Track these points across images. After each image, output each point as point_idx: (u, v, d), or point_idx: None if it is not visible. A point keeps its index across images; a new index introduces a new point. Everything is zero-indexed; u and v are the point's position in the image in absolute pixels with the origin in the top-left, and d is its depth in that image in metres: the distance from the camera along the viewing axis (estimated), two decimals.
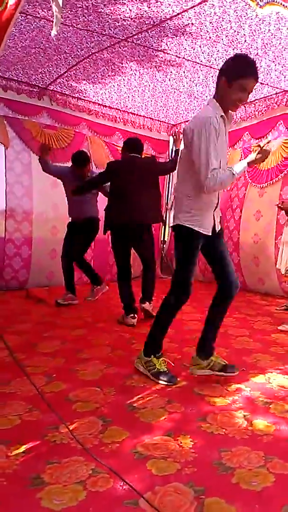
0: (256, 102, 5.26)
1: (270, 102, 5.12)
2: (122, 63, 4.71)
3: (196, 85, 5.11)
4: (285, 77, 4.59)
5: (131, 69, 4.90)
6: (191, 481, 1.55)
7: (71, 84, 5.23)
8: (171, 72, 4.81)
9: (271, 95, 5.08)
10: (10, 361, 2.73)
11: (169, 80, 5.08)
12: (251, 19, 3.41)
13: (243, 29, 3.60)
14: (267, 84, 4.81)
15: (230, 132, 5.72)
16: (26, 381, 2.42)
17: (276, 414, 2.10)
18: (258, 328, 3.79)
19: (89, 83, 5.26)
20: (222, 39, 3.79)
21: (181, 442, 1.82)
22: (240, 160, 5.68)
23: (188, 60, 4.33)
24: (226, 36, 3.72)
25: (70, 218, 4.74)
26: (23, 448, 1.75)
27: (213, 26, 3.59)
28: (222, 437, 1.88)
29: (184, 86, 5.13)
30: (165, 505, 1.42)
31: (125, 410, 2.13)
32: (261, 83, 4.77)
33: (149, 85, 5.22)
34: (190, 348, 3.13)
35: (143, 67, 4.81)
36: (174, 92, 5.38)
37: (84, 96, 5.57)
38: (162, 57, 4.39)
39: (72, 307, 4.43)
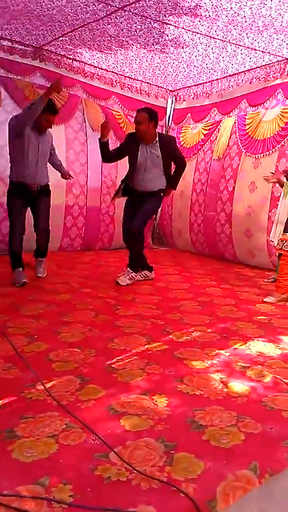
0: (256, 70, 5.11)
1: (271, 70, 4.98)
2: (118, 36, 4.56)
3: (195, 56, 4.97)
4: (287, 44, 4.45)
5: (128, 43, 4.76)
6: (162, 436, 1.57)
7: (66, 46, 5.07)
8: (170, 46, 4.68)
9: (272, 63, 4.93)
10: None
11: (168, 54, 4.94)
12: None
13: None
14: (269, 53, 4.67)
15: (227, 100, 5.68)
16: (7, 341, 2.42)
17: (252, 378, 2.12)
18: (244, 299, 3.80)
19: (85, 48, 5.10)
20: (221, 18, 3.67)
21: (156, 401, 1.84)
22: (232, 129, 5.60)
23: (187, 30, 4.19)
24: (226, 16, 3.63)
25: (16, 182, 3.91)
26: None
27: (212, 5, 3.52)
28: (197, 397, 1.90)
29: (183, 57, 5.00)
30: (135, 458, 1.45)
31: (104, 370, 2.15)
32: (262, 51, 4.64)
33: (147, 56, 5.08)
34: (173, 315, 3.15)
35: (140, 43, 4.67)
36: (173, 62, 5.24)
37: (79, 58, 5.39)
38: (160, 30, 4.23)
39: (59, 273, 4.41)
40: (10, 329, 2.65)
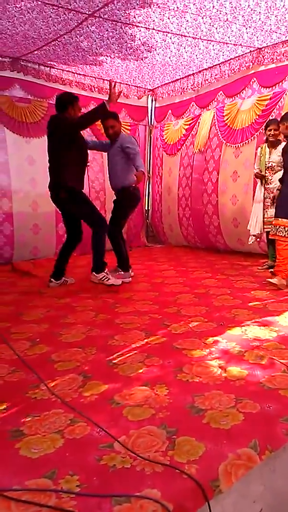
0: (231, 62, 5.17)
1: (244, 60, 5.04)
2: (91, 48, 4.60)
3: (169, 57, 5.04)
4: (257, 37, 4.51)
5: (102, 54, 4.82)
6: (164, 423, 1.62)
7: (43, 59, 5.13)
8: (143, 50, 4.74)
9: (245, 53, 5.00)
10: None
11: (142, 58, 4.98)
12: None
13: None
14: (240, 45, 4.73)
15: (204, 93, 5.74)
16: (9, 346, 2.47)
17: (249, 361, 2.18)
18: (239, 287, 3.85)
19: (59, 63, 5.17)
20: (190, 8, 3.71)
21: (157, 391, 1.89)
22: (211, 121, 5.67)
23: (158, 31, 4.23)
24: (194, 4, 3.66)
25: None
26: (4, 405, 1.80)
27: None
28: (196, 384, 1.95)
29: (157, 59, 5.06)
30: (138, 446, 1.49)
31: (105, 366, 2.20)
32: (234, 44, 4.70)
33: (122, 64, 5.13)
34: (170, 308, 3.20)
35: (114, 51, 4.72)
36: (148, 65, 5.30)
37: (56, 66, 5.44)
38: (132, 34, 4.28)
39: None
40: (13, 335, 2.70)
